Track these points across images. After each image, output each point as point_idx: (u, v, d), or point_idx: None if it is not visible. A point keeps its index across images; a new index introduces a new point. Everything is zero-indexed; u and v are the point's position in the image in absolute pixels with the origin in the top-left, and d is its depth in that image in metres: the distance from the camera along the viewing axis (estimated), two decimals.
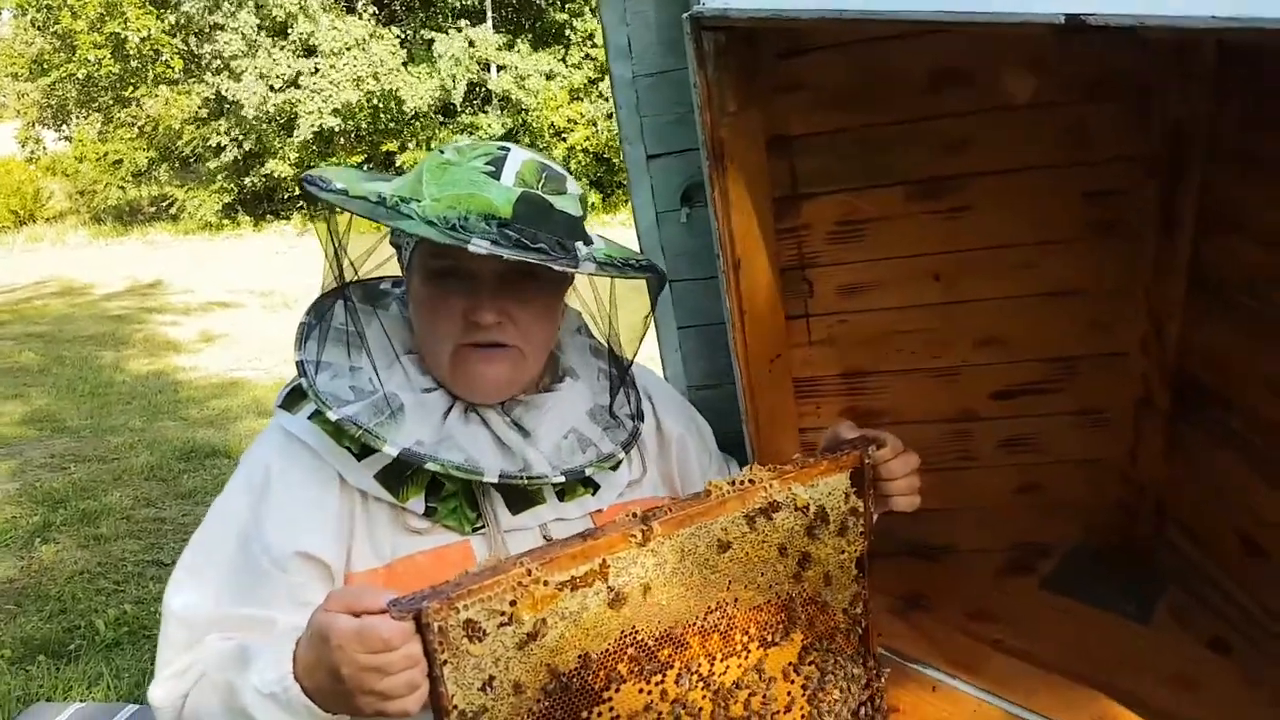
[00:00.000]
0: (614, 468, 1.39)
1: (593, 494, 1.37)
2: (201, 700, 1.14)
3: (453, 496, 1.27)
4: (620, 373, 1.45)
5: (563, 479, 1.28)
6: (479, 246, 1.10)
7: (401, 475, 1.25)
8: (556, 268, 1.18)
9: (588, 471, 1.31)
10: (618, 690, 1.12)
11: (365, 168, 12.47)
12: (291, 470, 1.25)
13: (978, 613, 1.90)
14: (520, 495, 1.31)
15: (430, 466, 1.20)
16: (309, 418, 1.27)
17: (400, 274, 1.38)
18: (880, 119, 1.71)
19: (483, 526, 1.28)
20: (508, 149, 1.24)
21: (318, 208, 1.23)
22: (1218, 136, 1.57)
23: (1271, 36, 0.88)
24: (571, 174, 1.32)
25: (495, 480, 1.23)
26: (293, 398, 1.31)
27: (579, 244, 1.24)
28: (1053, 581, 1.97)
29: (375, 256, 1.36)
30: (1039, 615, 1.88)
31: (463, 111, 17.85)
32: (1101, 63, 1.61)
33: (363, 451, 1.24)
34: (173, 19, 16.88)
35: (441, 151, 1.25)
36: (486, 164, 1.21)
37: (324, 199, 1.18)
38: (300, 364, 1.25)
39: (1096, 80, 1.63)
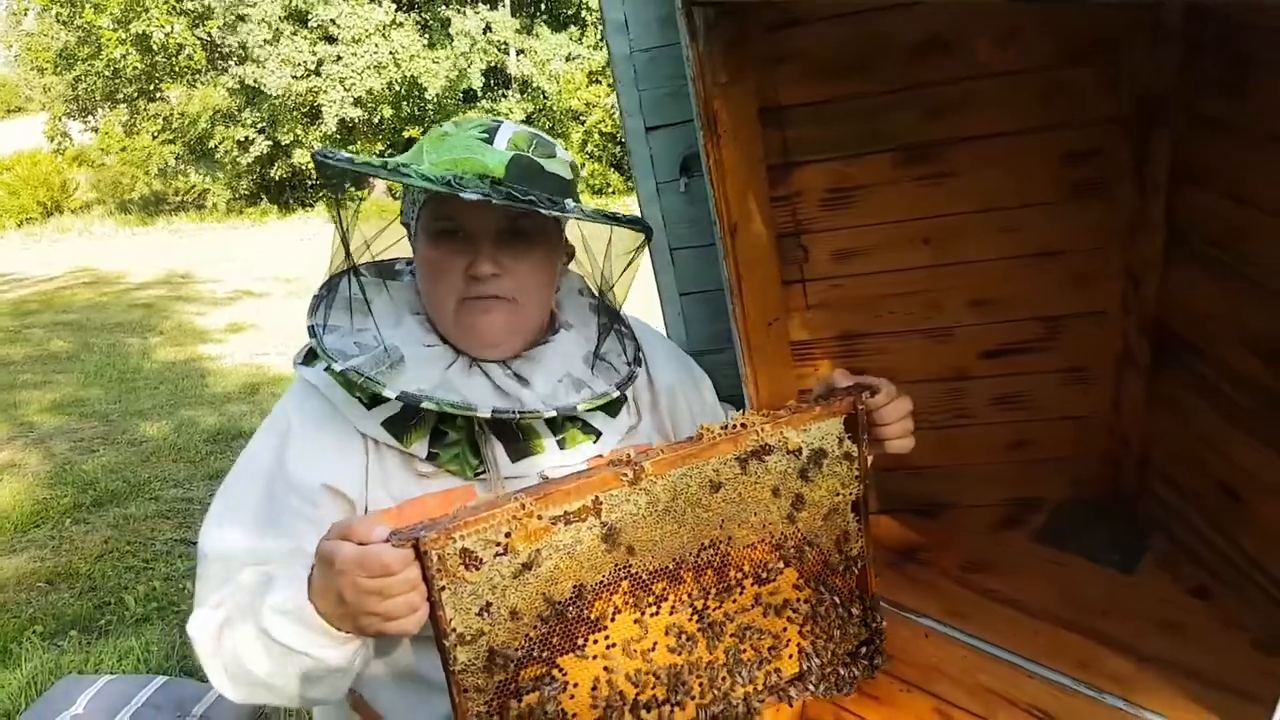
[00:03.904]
0: (611, 410, 1.46)
1: (594, 441, 1.44)
2: (234, 631, 1.20)
3: (455, 444, 1.35)
4: (610, 319, 1.52)
5: (553, 413, 1.35)
6: (470, 195, 1.18)
7: (405, 422, 1.34)
8: (543, 211, 1.25)
9: (580, 408, 1.38)
10: (614, 619, 1.18)
11: (387, 153, 12.63)
12: (312, 414, 1.35)
13: (972, 565, 1.97)
14: (520, 445, 1.38)
15: (426, 405, 1.28)
16: (325, 369, 1.36)
17: (411, 254, 1.47)
18: (867, 88, 1.76)
19: (484, 472, 1.36)
20: (500, 121, 1.36)
21: (329, 183, 1.32)
22: (1187, 95, 1.62)
23: (1223, 4, 0.94)
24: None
25: (488, 415, 1.30)
26: (311, 355, 1.41)
27: (568, 200, 1.32)
28: (1044, 534, 2.03)
29: (387, 237, 1.46)
30: (1031, 566, 1.94)
31: (483, 97, 17.93)
32: (1076, 27, 1.65)
33: (371, 401, 1.33)
34: (193, 6, 17.05)
35: (440, 125, 1.36)
36: (481, 132, 1.32)
37: (332, 164, 1.26)
38: (311, 327, 1.36)
39: (1072, 44, 1.67)
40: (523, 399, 1.35)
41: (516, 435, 1.39)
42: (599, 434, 1.45)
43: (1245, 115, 1.51)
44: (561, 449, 1.41)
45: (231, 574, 1.27)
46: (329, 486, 1.30)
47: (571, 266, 1.57)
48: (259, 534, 1.29)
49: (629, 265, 1.50)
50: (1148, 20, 1.60)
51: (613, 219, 1.39)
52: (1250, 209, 1.54)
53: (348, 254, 1.39)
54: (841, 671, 1.42)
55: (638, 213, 1.95)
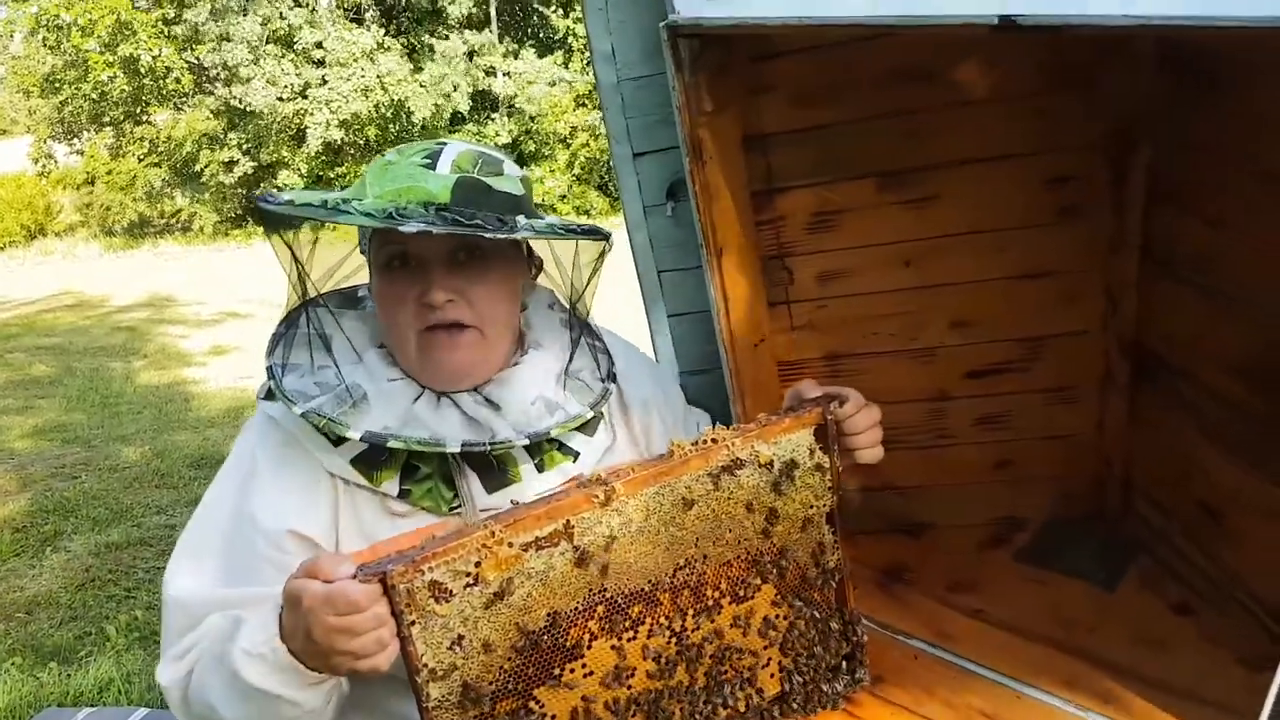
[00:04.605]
0: (588, 429, 1.41)
1: (573, 461, 1.40)
2: (204, 677, 1.17)
3: (427, 478, 1.31)
4: (580, 335, 1.47)
5: (526, 441, 1.30)
6: (410, 226, 1.14)
7: (375, 460, 1.29)
8: (487, 235, 1.19)
9: (554, 433, 1.33)
10: (590, 646, 1.17)
11: None
12: (277, 454, 1.30)
13: (957, 585, 1.97)
14: (496, 475, 1.34)
15: (393, 444, 1.24)
16: None
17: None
18: (849, 116, 1.79)
19: (459, 506, 1.31)
20: (445, 143, 1.30)
21: (272, 226, 1.28)
22: (1160, 121, 1.66)
23: (1190, 33, 0.97)
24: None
25: (458, 449, 1.25)
26: (273, 391, 1.34)
27: (520, 218, 1.27)
28: (1028, 553, 2.05)
29: (349, 264, 1.42)
30: (1016, 586, 1.95)
31: (470, 120, 17.99)
32: (1052, 55, 1.69)
33: (338, 439, 1.28)
34: (179, 30, 17.09)
35: (383, 154, 1.31)
36: (424, 158, 1.26)
37: (271, 210, 1.23)
38: (269, 368, 1.31)
39: (1049, 72, 1.71)
40: (494, 428, 1.30)
41: (492, 465, 1.34)
42: (577, 454, 1.41)
43: (1217, 140, 1.55)
44: (540, 472, 1.37)
45: (197, 620, 1.23)
46: (294, 532, 1.26)
47: (541, 280, 1.52)
48: (224, 580, 1.25)
49: (592, 274, 1.44)
50: (1123, 47, 1.65)
51: (568, 232, 1.32)
52: (1224, 231, 1.57)
53: (303, 289, 1.34)
54: (824, 688, 1.41)
55: (625, 236, 1.97)
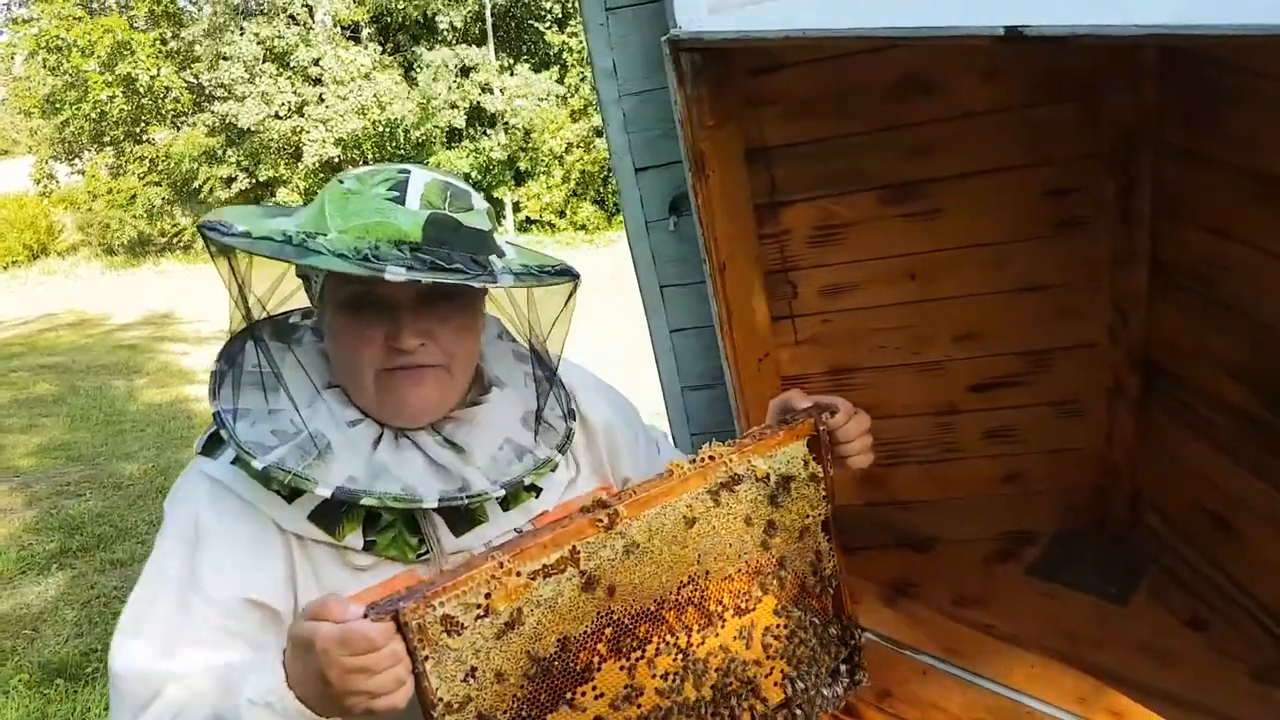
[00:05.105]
0: (553, 470, 1.37)
1: (536, 497, 1.36)
2: None
3: (391, 526, 1.25)
4: (547, 376, 1.41)
5: (503, 492, 1.26)
6: (395, 274, 1.07)
7: (336, 512, 1.21)
8: (475, 285, 1.14)
9: (527, 480, 1.30)
10: (599, 669, 1.17)
11: None
12: (223, 519, 1.21)
13: (966, 599, 1.97)
14: (462, 516, 1.29)
15: (366, 502, 1.17)
16: (233, 462, 1.21)
17: (309, 305, 1.33)
18: (851, 129, 1.79)
19: (426, 553, 1.26)
20: (409, 171, 1.21)
21: (217, 251, 1.17)
22: (1165, 132, 1.66)
23: (1193, 42, 0.97)
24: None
25: (435, 505, 1.20)
26: (214, 442, 1.25)
27: (492, 257, 1.20)
28: (1038, 567, 2.03)
29: (281, 290, 1.31)
30: (1025, 600, 1.94)
31: (466, 136, 18.05)
32: (1055, 67, 1.69)
33: (292, 494, 1.20)
34: (177, 46, 17.20)
35: (341, 181, 1.20)
36: (390, 190, 1.17)
37: (228, 244, 1.13)
38: (217, 414, 1.20)
39: (1052, 84, 1.71)
40: (466, 477, 1.25)
41: (460, 511, 1.29)
42: (539, 490, 1.37)
43: (1221, 150, 1.54)
44: (505, 510, 1.32)
45: (151, 696, 1.16)
46: (249, 600, 1.19)
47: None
48: (177, 651, 1.18)
49: (559, 315, 1.35)
50: (1126, 58, 1.64)
51: (543, 274, 1.25)
52: (1230, 241, 1.57)
53: (249, 319, 1.24)
54: (825, 692, 1.42)
55: (627, 251, 1.97)
